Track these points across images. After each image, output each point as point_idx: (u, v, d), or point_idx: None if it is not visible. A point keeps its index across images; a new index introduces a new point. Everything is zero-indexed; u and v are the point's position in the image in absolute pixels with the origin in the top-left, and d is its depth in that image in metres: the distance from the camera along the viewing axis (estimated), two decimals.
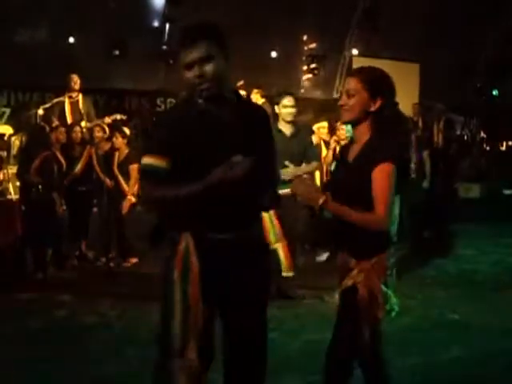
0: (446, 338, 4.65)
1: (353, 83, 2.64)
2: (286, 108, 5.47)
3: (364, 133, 2.66)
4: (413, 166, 8.28)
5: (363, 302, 2.58)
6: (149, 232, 2.81)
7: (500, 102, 14.42)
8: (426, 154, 8.51)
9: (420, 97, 12.12)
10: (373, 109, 2.62)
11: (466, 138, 13.80)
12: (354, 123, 2.69)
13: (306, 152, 5.48)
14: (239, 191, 2.31)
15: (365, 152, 2.62)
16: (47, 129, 7.23)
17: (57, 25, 10.74)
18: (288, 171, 5.05)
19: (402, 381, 3.91)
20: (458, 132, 13.19)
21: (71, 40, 11.32)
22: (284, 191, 2.86)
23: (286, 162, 5.22)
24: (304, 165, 5.43)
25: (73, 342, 4.59)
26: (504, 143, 14.35)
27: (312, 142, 6.05)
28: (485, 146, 14.15)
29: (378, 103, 2.62)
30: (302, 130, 5.87)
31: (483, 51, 13.80)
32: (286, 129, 5.49)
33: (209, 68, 2.34)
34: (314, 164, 5.60)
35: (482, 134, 14.30)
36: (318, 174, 8.96)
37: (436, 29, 12.07)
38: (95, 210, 7.76)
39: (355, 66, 12.39)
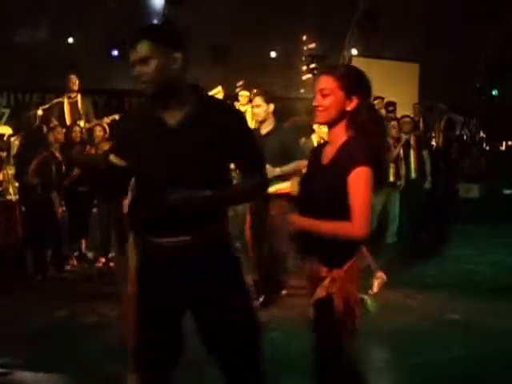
0: (445, 338, 4.65)
1: (327, 82, 2.49)
2: (255, 108, 5.50)
3: (340, 134, 2.52)
4: (413, 166, 8.32)
5: (339, 313, 2.45)
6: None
7: (500, 102, 14.42)
8: (426, 153, 8.52)
9: (420, 97, 12.12)
10: (349, 108, 2.48)
11: (465, 137, 13.79)
12: (330, 124, 2.55)
13: (288, 151, 5.31)
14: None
15: (340, 155, 2.48)
16: (44, 129, 7.23)
17: (57, 25, 10.73)
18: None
19: (401, 381, 3.92)
20: (458, 132, 13.18)
21: (71, 40, 11.33)
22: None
23: None
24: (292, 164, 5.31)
25: (73, 341, 4.59)
26: (504, 143, 14.34)
27: (296, 141, 5.77)
28: (484, 145, 14.14)
29: (355, 102, 2.48)
30: (283, 128, 5.67)
31: (483, 51, 13.80)
32: (263, 127, 5.46)
33: (146, 69, 2.36)
34: (293, 164, 5.29)
35: (482, 134, 14.30)
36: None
37: (436, 29, 12.07)
38: (95, 210, 7.76)
39: (355, 65, 12.39)
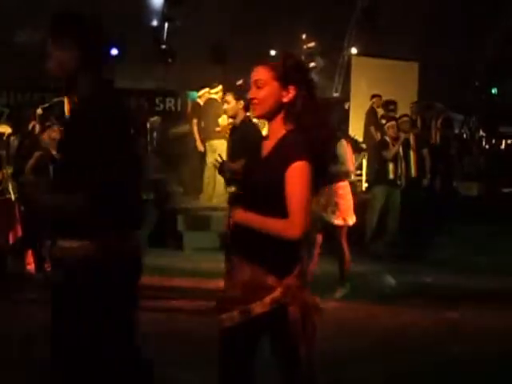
0: (445, 338, 4.66)
1: (262, 72, 2.34)
2: (225, 104, 5.55)
3: (278, 128, 2.36)
4: (413, 165, 8.33)
5: (296, 321, 2.26)
6: None
7: (499, 101, 14.43)
8: (425, 152, 8.53)
9: (419, 96, 12.12)
10: (286, 99, 2.32)
11: (465, 136, 13.80)
12: (268, 117, 2.39)
13: (248, 147, 5.21)
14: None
15: (277, 149, 2.33)
16: (37, 129, 7.23)
17: None
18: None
19: (401, 380, 3.93)
20: (457, 130, 13.19)
21: None
22: None
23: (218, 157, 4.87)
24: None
25: None
26: (503, 142, 14.34)
27: (254, 136, 5.51)
28: (484, 144, 14.15)
29: (292, 93, 2.32)
30: (247, 124, 5.51)
31: (483, 51, 13.80)
32: (234, 123, 5.50)
33: (48, 63, 2.47)
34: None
35: (482, 133, 14.30)
36: None
37: (436, 28, 12.08)
38: None
39: (354, 64, 12.40)
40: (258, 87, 2.34)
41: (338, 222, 5.51)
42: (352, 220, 5.58)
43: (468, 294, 5.95)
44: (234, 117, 5.45)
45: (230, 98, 5.40)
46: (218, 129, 8.51)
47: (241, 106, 5.35)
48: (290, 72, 2.33)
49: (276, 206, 2.27)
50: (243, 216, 2.33)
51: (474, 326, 4.94)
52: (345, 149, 5.58)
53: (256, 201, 2.33)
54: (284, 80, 2.32)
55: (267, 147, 2.39)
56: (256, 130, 5.66)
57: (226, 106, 5.48)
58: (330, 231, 5.59)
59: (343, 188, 5.56)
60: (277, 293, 2.25)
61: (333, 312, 4.70)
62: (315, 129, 2.33)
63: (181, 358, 4.01)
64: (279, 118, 2.36)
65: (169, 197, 9.03)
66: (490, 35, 13.55)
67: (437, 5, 12.08)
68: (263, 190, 2.31)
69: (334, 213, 5.48)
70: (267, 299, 2.26)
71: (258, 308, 2.26)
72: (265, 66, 2.35)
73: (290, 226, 2.24)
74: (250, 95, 2.37)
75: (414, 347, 4.45)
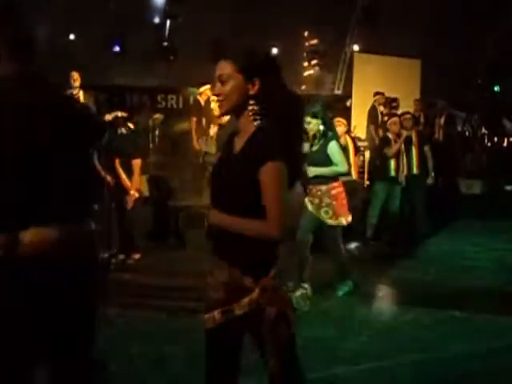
0: (446, 335, 4.65)
1: (224, 67, 2.25)
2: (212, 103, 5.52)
3: (248, 123, 2.28)
4: (415, 162, 8.31)
5: (271, 321, 2.25)
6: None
7: (501, 99, 14.40)
8: (427, 149, 8.52)
9: (421, 93, 12.11)
10: (252, 92, 2.24)
11: (467, 134, 13.78)
12: (236, 113, 2.30)
13: None
14: None
15: (249, 147, 2.25)
16: None
17: (57, 21, 10.73)
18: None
19: (402, 377, 3.92)
20: (460, 128, 13.17)
21: (72, 37, 11.32)
22: None
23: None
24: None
25: None
26: (505, 139, 14.32)
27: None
28: (486, 142, 14.13)
29: (257, 85, 2.24)
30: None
31: (484, 51, 13.78)
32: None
33: None
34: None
35: (484, 130, 14.28)
36: None
37: (437, 26, 12.05)
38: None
39: (356, 61, 12.38)
40: (222, 82, 2.25)
41: (331, 222, 5.47)
42: (346, 220, 5.53)
43: (469, 291, 5.94)
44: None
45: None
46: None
47: None
48: (254, 64, 2.25)
49: (247, 204, 2.23)
50: (219, 217, 2.27)
51: (474, 322, 4.93)
52: (335, 149, 5.48)
53: (228, 199, 2.28)
54: (248, 73, 2.23)
55: (239, 144, 2.31)
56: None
57: (213, 105, 5.41)
58: (326, 231, 5.58)
59: (336, 188, 5.51)
60: (254, 294, 2.24)
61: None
62: (286, 122, 2.25)
63: (181, 358, 4.02)
64: (246, 113, 2.27)
65: (170, 194, 9.03)
66: (490, 35, 13.52)
67: (437, 3, 12.05)
68: (235, 189, 2.25)
69: (327, 213, 5.46)
70: (245, 300, 2.25)
71: (237, 309, 2.27)
72: (227, 60, 2.26)
73: (269, 227, 2.20)
74: (214, 92, 2.30)
75: (414, 344, 4.46)
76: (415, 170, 8.34)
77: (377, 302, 5.66)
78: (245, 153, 2.25)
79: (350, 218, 5.57)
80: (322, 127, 5.47)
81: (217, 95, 2.29)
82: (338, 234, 5.59)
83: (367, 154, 9.90)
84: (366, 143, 10.30)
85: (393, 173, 8.09)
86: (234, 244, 2.27)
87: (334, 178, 5.53)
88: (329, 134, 5.53)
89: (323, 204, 5.47)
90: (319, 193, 5.49)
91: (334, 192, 5.49)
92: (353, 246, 7.75)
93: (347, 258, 5.77)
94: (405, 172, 8.10)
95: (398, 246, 7.91)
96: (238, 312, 2.27)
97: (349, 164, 7.93)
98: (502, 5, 12.81)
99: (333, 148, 5.47)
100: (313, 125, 5.45)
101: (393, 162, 8.09)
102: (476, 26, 12.40)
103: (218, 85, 2.27)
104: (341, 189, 5.55)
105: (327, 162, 5.46)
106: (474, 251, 7.87)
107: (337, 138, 5.67)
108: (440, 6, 12.00)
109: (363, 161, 9.88)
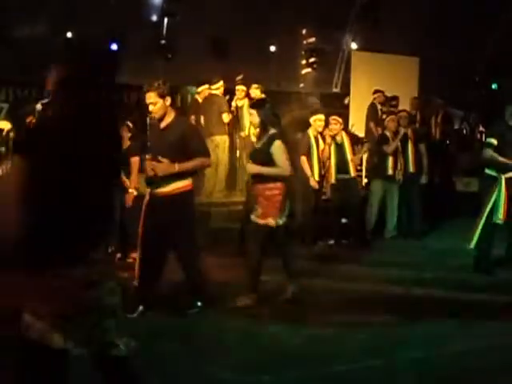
0: (446, 333, 4.66)
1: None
2: (150, 106, 4.98)
3: None
4: (411, 160, 8.32)
5: None
6: None
7: (500, 97, 14.40)
8: (423, 147, 8.55)
9: (419, 91, 12.12)
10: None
11: (465, 132, 13.80)
12: None
13: (188, 145, 4.91)
14: None
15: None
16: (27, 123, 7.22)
17: (55, 20, 10.71)
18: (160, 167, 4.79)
19: (402, 375, 3.93)
20: (458, 126, 13.19)
21: (69, 35, 11.30)
22: None
23: (159, 158, 4.79)
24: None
25: None
26: None
27: (196, 135, 5.22)
28: (484, 140, 14.13)
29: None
30: (183, 121, 5.35)
31: (483, 50, 13.79)
32: (162, 121, 4.98)
33: None
34: (194, 161, 4.95)
35: (482, 128, 14.29)
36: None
37: (436, 24, 12.06)
38: None
39: (354, 60, 12.39)
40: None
41: (259, 220, 5.28)
42: (275, 221, 5.25)
43: (467, 288, 5.95)
44: (163, 115, 4.97)
45: (154, 98, 4.89)
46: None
47: (168, 103, 4.95)
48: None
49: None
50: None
51: (473, 320, 4.94)
52: (279, 150, 5.22)
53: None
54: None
55: None
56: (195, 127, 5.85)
57: (152, 108, 4.91)
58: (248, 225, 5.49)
59: (272, 190, 5.26)
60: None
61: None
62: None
63: (181, 357, 4.01)
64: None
65: None
66: (490, 35, 13.52)
67: (437, 4, 12.06)
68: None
69: (256, 210, 5.31)
70: None
71: None
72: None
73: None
74: None
75: (414, 341, 4.47)
76: (411, 169, 8.36)
77: (373, 301, 5.64)
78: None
79: (281, 221, 5.29)
80: (257, 119, 5.27)
81: None
82: (259, 233, 5.33)
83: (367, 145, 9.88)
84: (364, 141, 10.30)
85: (390, 171, 8.11)
86: None
87: (274, 178, 5.27)
88: (271, 130, 5.34)
89: (255, 203, 5.36)
90: (255, 191, 5.39)
91: (268, 193, 5.27)
92: (330, 242, 7.87)
93: (293, 256, 5.58)
94: (402, 170, 8.13)
95: (396, 243, 7.94)
96: None
97: (345, 161, 7.95)
98: (502, 5, 12.83)
99: (276, 148, 5.23)
100: (253, 116, 5.37)
101: (390, 160, 8.12)
102: (476, 26, 12.40)
103: None
104: (277, 191, 5.27)
105: (268, 161, 5.23)
106: (472, 249, 7.87)
107: (283, 137, 5.44)
108: (440, 5, 12.00)
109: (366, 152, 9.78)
